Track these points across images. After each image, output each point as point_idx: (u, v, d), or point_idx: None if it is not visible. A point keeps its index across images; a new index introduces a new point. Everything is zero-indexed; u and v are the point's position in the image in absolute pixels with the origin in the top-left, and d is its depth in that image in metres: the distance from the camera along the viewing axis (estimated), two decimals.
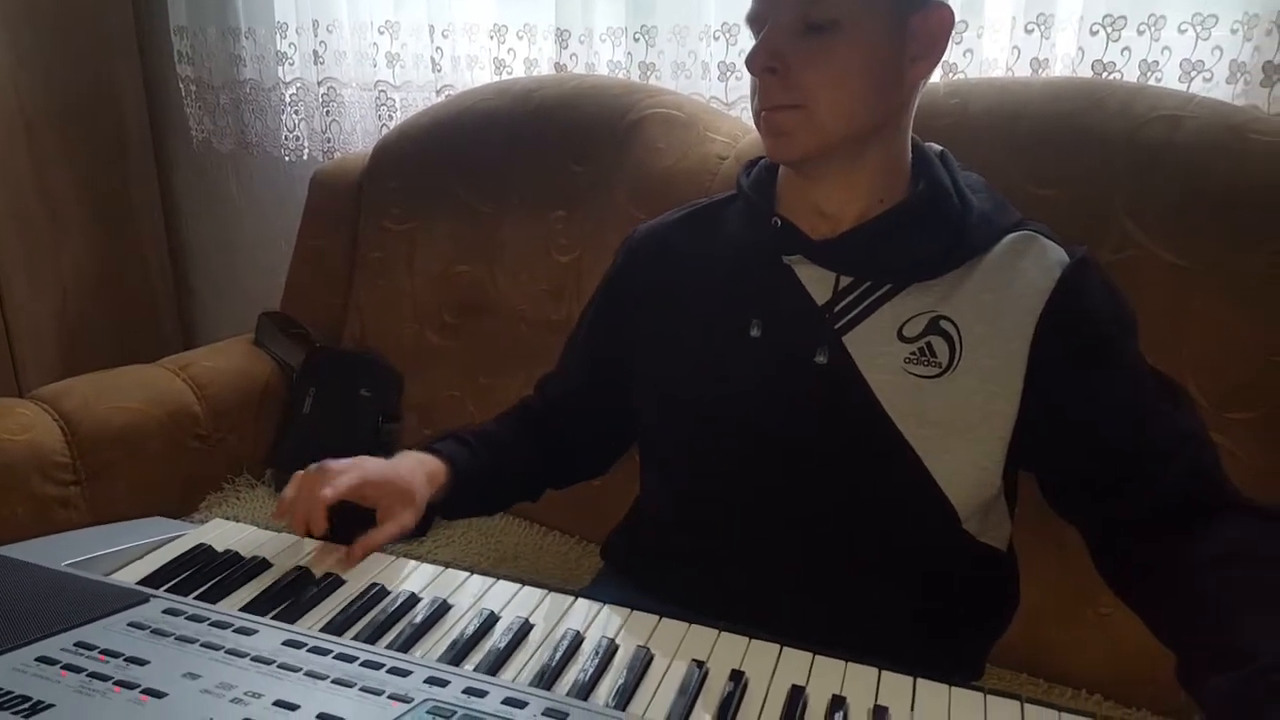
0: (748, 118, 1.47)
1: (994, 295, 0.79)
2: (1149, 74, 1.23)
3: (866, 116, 0.78)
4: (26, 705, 0.51)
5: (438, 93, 1.74)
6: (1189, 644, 0.66)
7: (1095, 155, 1.05)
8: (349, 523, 0.80)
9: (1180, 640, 0.68)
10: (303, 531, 0.80)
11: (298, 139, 1.94)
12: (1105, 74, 1.25)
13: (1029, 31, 1.26)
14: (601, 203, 1.36)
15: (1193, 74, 1.21)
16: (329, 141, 1.89)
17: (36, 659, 0.56)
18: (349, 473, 0.81)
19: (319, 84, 1.86)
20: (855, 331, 0.81)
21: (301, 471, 0.82)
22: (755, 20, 0.79)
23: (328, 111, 1.88)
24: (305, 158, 1.94)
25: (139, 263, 2.22)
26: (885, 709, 0.62)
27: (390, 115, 1.81)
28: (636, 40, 1.52)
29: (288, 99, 1.92)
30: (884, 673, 0.66)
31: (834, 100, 0.76)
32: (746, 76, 1.44)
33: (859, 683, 0.65)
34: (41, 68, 1.97)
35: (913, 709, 0.63)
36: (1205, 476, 0.74)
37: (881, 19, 0.75)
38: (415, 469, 0.86)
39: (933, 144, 0.87)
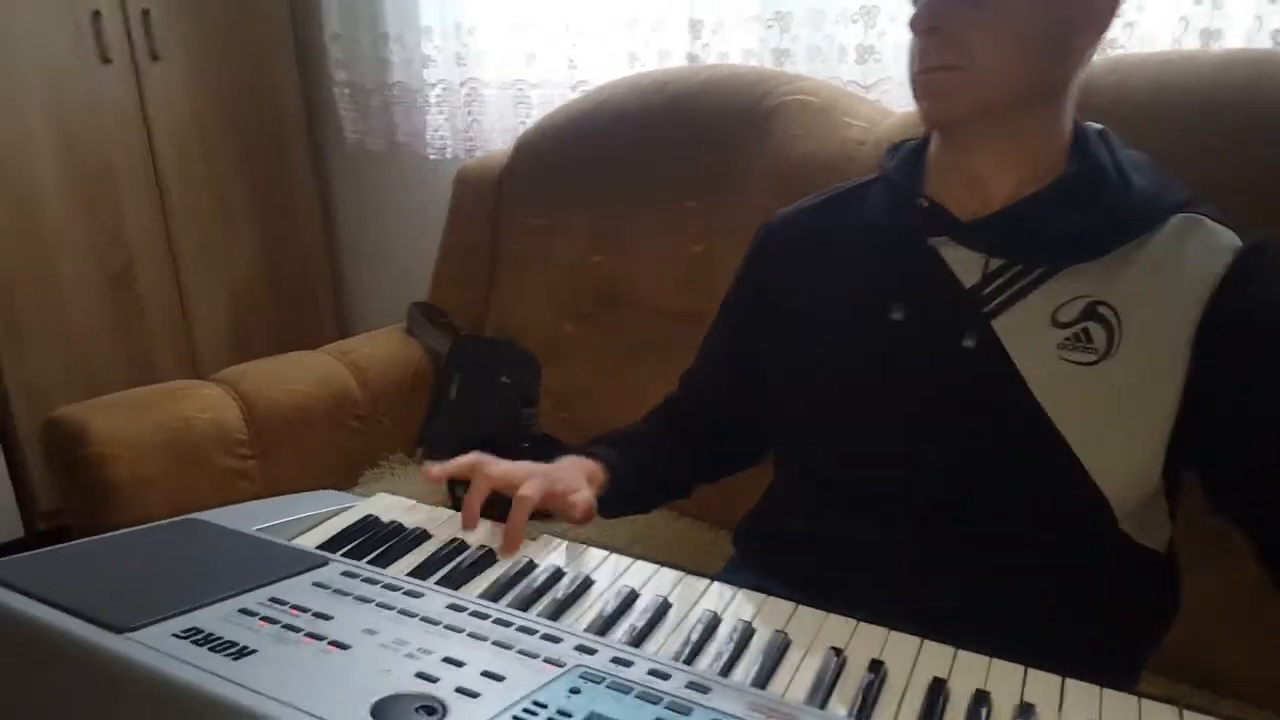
0: (886, 101, 1.45)
1: (1157, 280, 0.76)
2: None
3: (1025, 81, 0.76)
4: (234, 649, 0.58)
5: (573, 88, 1.79)
6: None
7: (1269, 132, 0.98)
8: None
9: None
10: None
11: (442, 137, 2.04)
12: None
13: (1198, 1, 1.18)
14: (735, 192, 1.37)
15: None
16: (471, 139, 1.98)
17: (239, 610, 0.63)
18: (533, 486, 0.82)
19: (461, 84, 1.95)
20: (1006, 316, 0.79)
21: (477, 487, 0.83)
22: None
23: (469, 110, 1.96)
24: (449, 155, 2.04)
25: (299, 255, 2.39)
26: (1032, 706, 0.61)
27: (528, 112, 1.87)
28: (770, 27, 1.52)
29: (432, 99, 2.02)
30: (1030, 671, 0.65)
31: (994, 61, 0.75)
32: (885, 59, 1.44)
33: (1004, 679, 0.64)
34: (211, 76, 2.15)
35: (1060, 709, 0.62)
36: None
37: None
38: (576, 470, 0.89)
39: (1092, 123, 0.84)
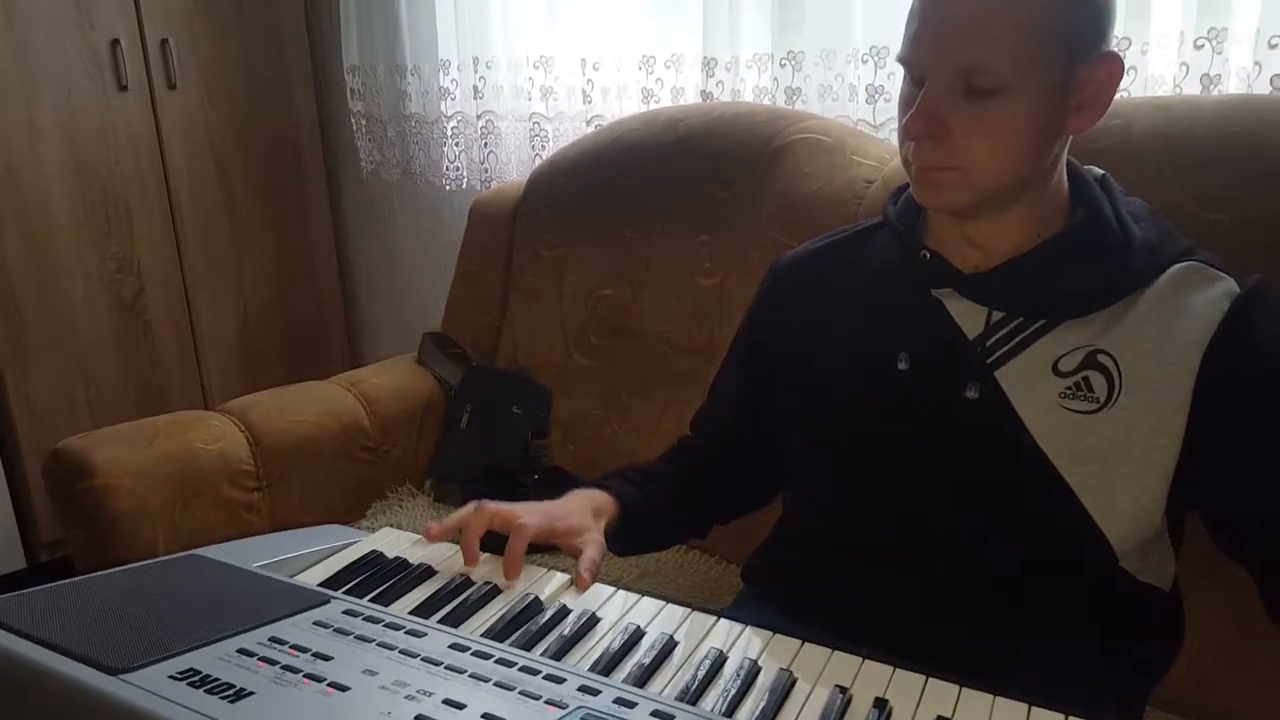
0: (896, 140, 1.45)
1: (1157, 329, 0.76)
2: None
3: (1025, 171, 0.77)
4: (232, 691, 0.58)
5: (588, 123, 1.80)
6: None
7: (1269, 176, 0.98)
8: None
9: None
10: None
11: (458, 169, 2.06)
12: None
13: (1199, 47, 1.19)
14: (746, 227, 1.38)
15: None
16: (486, 171, 2.00)
17: (237, 650, 0.63)
18: (532, 518, 0.83)
19: (478, 117, 1.97)
20: (1008, 366, 0.79)
21: (472, 521, 0.83)
22: (909, 67, 0.78)
23: (485, 143, 1.98)
24: (464, 186, 2.06)
25: (311, 284, 2.41)
26: None
27: (543, 145, 1.89)
28: (783, 66, 1.53)
29: (449, 132, 2.04)
30: (1034, 709, 0.64)
31: (993, 162, 0.75)
32: (895, 99, 1.44)
33: (1008, 718, 0.63)
34: (228, 105, 2.17)
35: None
36: None
37: (1048, 73, 0.73)
38: (583, 506, 0.88)
39: (1093, 168, 0.84)
